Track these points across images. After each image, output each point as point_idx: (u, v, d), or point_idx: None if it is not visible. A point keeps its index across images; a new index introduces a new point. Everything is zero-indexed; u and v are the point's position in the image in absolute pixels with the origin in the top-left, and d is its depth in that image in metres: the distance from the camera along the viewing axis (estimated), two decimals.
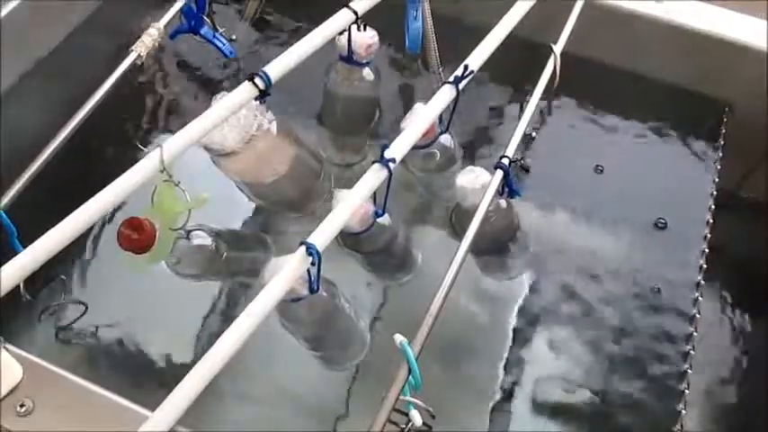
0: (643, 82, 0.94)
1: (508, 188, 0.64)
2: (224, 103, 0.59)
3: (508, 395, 0.80)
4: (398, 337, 0.52)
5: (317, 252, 0.54)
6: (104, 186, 0.50)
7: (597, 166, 0.89)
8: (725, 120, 0.91)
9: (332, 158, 0.85)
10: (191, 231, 0.68)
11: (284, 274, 0.53)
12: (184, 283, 0.71)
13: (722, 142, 0.90)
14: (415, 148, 0.73)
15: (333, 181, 0.80)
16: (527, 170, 0.65)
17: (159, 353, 0.80)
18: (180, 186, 0.59)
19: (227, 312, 0.82)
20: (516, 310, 0.84)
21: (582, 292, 0.85)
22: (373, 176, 0.61)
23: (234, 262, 0.74)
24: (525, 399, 0.80)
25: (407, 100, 0.95)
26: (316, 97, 0.84)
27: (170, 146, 0.56)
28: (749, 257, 1.02)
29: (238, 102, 0.60)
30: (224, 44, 0.88)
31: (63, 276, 0.79)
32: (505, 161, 0.64)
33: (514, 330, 0.83)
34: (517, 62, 0.89)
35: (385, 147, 0.60)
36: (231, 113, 0.60)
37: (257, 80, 0.60)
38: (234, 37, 0.96)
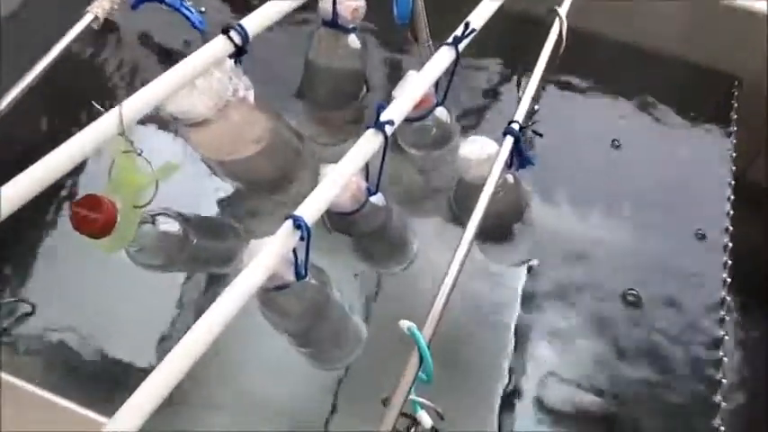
0: (647, 56, 0.90)
1: (519, 156, 0.58)
2: (193, 58, 0.52)
3: (514, 397, 0.75)
4: (405, 323, 0.45)
5: (306, 226, 0.47)
6: None
7: (614, 140, 0.83)
8: (735, 95, 0.87)
9: (312, 137, 0.78)
10: (156, 216, 0.60)
11: (267, 252, 0.46)
12: (147, 275, 0.63)
13: (735, 120, 0.86)
14: (408, 120, 0.66)
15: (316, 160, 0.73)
16: (540, 135, 0.58)
17: (120, 357, 0.73)
18: (143, 156, 0.51)
19: (196, 309, 0.74)
20: (519, 300, 0.78)
21: (592, 281, 0.79)
22: (367, 143, 0.54)
23: (204, 251, 0.66)
24: (532, 401, 0.75)
25: (396, 77, 0.88)
26: (294, 72, 0.77)
27: (130, 105, 0.49)
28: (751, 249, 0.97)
29: (210, 57, 0.53)
30: (192, 13, 0.80)
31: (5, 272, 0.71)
32: (515, 126, 0.58)
33: (517, 325, 0.77)
34: (512, 36, 0.84)
35: (381, 107, 0.54)
36: (201, 72, 0.53)
37: (233, 34, 0.54)
38: (203, 9, 0.88)
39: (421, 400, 0.46)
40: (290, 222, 0.47)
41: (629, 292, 0.78)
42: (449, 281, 0.48)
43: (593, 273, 0.79)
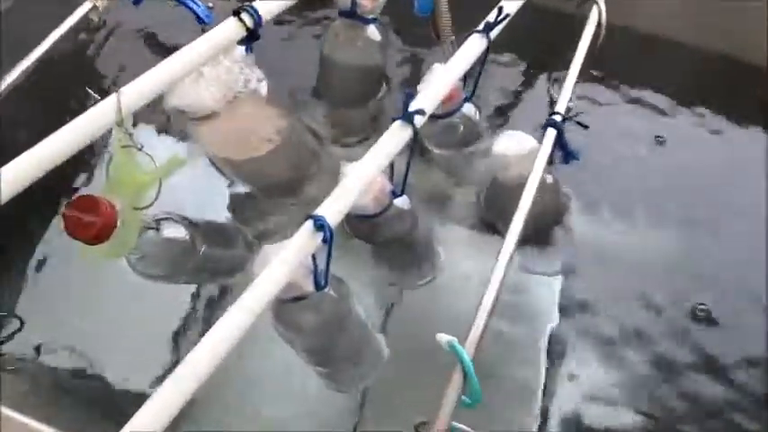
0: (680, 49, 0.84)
1: (563, 151, 0.52)
2: (200, 43, 0.47)
3: (549, 417, 0.69)
4: (444, 337, 0.39)
5: (329, 227, 0.41)
6: None
7: (658, 137, 0.77)
8: None
9: (328, 138, 0.73)
10: (160, 220, 0.54)
11: (284, 257, 0.40)
12: (149, 287, 0.58)
13: None
14: (434, 117, 0.61)
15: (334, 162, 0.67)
16: (585, 126, 0.53)
17: (117, 379, 0.68)
18: (144, 151, 0.46)
19: (204, 324, 0.68)
20: (556, 311, 0.72)
21: (635, 290, 0.72)
22: (394, 137, 0.49)
23: (213, 259, 0.60)
24: (569, 421, 0.69)
25: (417, 75, 0.83)
26: (310, 70, 0.72)
27: (130, 92, 0.43)
28: None
29: (219, 42, 0.48)
30: (199, 6, 0.75)
31: None
32: (557, 118, 0.52)
33: (552, 338, 0.71)
34: (539, 31, 0.79)
35: (409, 96, 0.48)
36: (208, 58, 0.48)
37: (244, 16, 0.48)
38: (210, 5, 0.83)
39: (463, 427, 0.40)
40: (310, 224, 0.41)
41: (680, 302, 0.72)
42: (492, 291, 0.43)
43: (636, 281, 0.72)
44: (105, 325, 0.71)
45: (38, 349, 0.70)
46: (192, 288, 0.72)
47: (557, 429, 0.69)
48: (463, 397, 0.37)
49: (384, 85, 0.74)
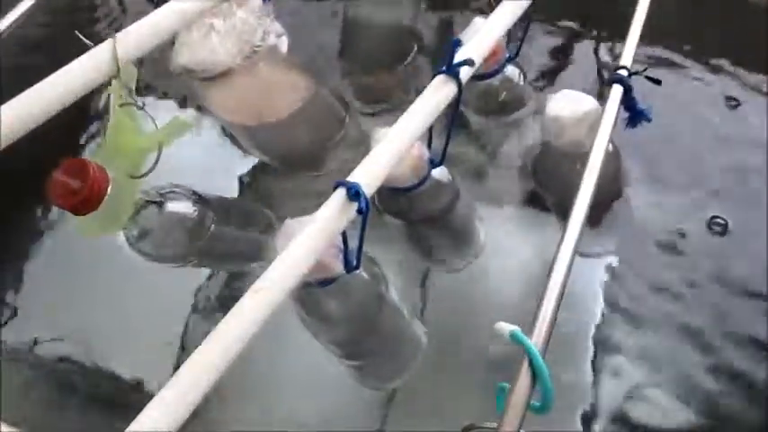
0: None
1: (630, 111, 0.45)
2: None
3: (595, 414, 0.63)
4: (505, 326, 0.33)
5: (365, 196, 0.34)
6: None
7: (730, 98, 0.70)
8: None
9: (353, 104, 0.66)
10: (165, 193, 0.48)
11: (314, 229, 0.33)
12: (153, 272, 0.52)
13: None
14: (473, 78, 0.54)
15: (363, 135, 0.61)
16: (658, 81, 0.46)
17: (119, 375, 0.63)
18: (146, 110, 0.39)
19: (216, 314, 0.62)
20: (602, 298, 0.65)
21: (695, 276, 0.65)
22: (436, 93, 0.42)
23: (225, 240, 0.54)
24: (616, 419, 0.63)
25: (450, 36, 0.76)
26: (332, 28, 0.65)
27: (128, 38, 0.37)
28: None
29: None
30: None
31: None
32: (624, 72, 0.45)
33: (598, 327, 0.64)
34: None
35: (456, 43, 0.41)
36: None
37: None
38: None
39: None
40: (342, 192, 0.35)
41: (748, 291, 0.64)
42: (559, 272, 0.36)
43: (698, 265, 0.65)
44: (111, 315, 0.66)
45: (35, 341, 0.66)
46: (206, 274, 0.66)
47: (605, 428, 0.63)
48: (532, 402, 0.31)
49: (415, 48, 0.67)
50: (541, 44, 0.75)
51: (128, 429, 0.26)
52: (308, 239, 0.33)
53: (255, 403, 0.62)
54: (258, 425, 0.61)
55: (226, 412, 0.61)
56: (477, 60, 0.43)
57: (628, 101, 0.45)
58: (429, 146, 0.49)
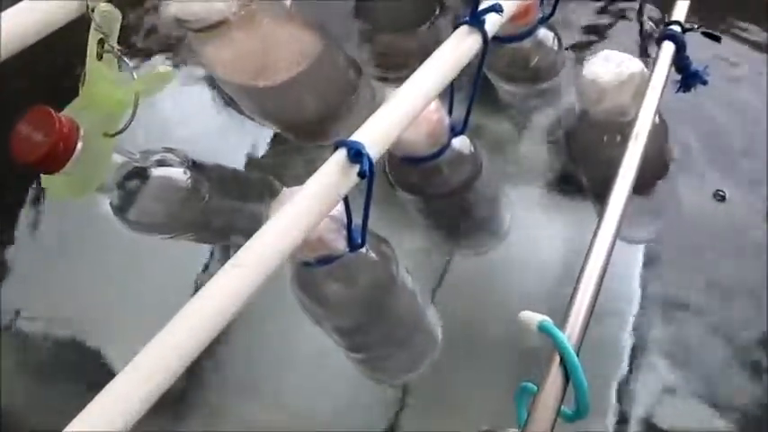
0: None
1: (683, 72, 0.39)
2: None
3: (623, 420, 0.59)
4: (532, 316, 0.28)
5: (369, 159, 0.30)
6: None
7: None
8: None
9: (368, 69, 0.61)
10: (154, 156, 0.44)
11: (307, 194, 0.29)
12: (148, 253, 0.48)
13: None
14: (500, 40, 0.49)
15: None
16: (717, 38, 0.40)
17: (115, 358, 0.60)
18: (124, 58, 0.35)
19: None
20: (638, 292, 0.59)
21: (735, 270, 0.60)
22: (458, 46, 0.37)
23: (223, 213, 0.49)
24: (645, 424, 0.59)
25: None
26: None
27: None
28: None
29: None
30: None
31: None
32: (676, 28, 0.39)
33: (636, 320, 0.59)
34: None
35: None
36: None
37: None
38: None
39: None
40: (342, 153, 0.30)
41: None
42: (599, 257, 0.30)
43: (741, 260, 0.59)
44: (112, 298, 0.64)
45: (29, 318, 0.63)
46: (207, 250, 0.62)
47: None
48: (563, 407, 0.26)
49: (437, 8, 0.61)
50: (580, 5, 0.69)
51: (66, 429, 0.22)
52: (298, 206, 0.29)
53: (263, 398, 0.59)
54: (266, 421, 0.58)
55: (233, 407, 0.58)
56: (507, 10, 0.37)
57: (680, 60, 0.39)
58: (450, 112, 0.44)
